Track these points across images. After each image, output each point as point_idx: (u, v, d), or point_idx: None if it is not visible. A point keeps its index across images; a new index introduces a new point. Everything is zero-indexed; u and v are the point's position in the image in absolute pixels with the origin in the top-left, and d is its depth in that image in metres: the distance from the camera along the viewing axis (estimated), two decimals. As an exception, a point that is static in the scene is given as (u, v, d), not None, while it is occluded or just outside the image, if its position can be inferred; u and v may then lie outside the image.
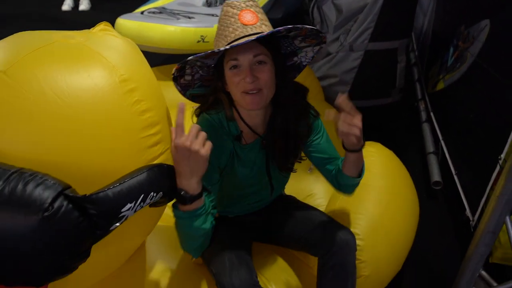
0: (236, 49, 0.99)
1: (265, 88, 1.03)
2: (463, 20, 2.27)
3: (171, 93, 1.22)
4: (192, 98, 1.16)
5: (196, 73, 1.11)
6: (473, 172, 1.82)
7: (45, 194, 0.67)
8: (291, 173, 1.28)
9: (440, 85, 2.49)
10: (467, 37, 2.14)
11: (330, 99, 2.57)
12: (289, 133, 1.13)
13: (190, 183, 0.89)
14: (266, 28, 1.03)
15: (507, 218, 1.29)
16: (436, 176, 2.14)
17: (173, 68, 1.07)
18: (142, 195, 0.78)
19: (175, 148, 0.87)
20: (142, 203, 0.78)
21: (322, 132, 1.22)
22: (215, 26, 1.09)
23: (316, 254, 1.21)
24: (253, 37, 0.96)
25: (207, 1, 3.36)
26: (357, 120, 1.01)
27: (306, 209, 1.34)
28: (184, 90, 1.13)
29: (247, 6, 1.03)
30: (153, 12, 2.51)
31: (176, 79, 1.09)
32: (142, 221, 0.98)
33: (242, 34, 1.00)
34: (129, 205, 0.75)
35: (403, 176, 1.55)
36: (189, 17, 2.43)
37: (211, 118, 1.11)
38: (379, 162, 1.52)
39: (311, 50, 1.14)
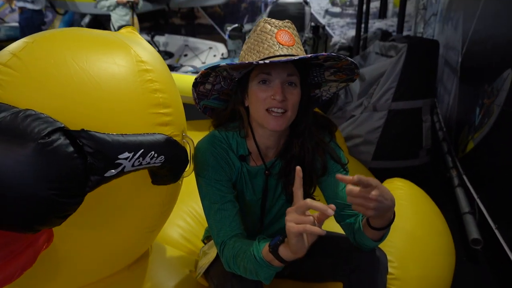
0: (269, 65, 0.95)
1: (290, 111, 0.98)
2: (485, 79, 2.28)
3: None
4: (204, 109, 1.14)
5: (217, 84, 1.07)
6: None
7: (43, 126, 0.67)
8: None
9: (470, 146, 2.41)
10: (492, 92, 2.13)
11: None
12: (305, 165, 1.05)
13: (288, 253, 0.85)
14: (301, 51, 1.00)
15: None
16: (474, 233, 1.95)
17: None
18: (142, 150, 0.76)
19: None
20: (141, 158, 0.76)
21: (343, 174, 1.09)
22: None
23: (340, 276, 1.05)
24: (295, 58, 0.92)
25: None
26: (375, 193, 0.84)
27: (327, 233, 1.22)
28: (199, 99, 1.10)
29: (285, 26, 1.00)
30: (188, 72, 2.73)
31: (196, 85, 1.06)
32: (142, 203, 0.93)
33: (278, 53, 0.95)
34: (127, 154, 0.73)
35: (432, 210, 1.43)
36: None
37: (220, 135, 1.08)
38: (407, 194, 1.43)
39: (336, 85, 1.10)
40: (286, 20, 1.02)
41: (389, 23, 7.07)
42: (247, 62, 0.96)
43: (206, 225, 1.22)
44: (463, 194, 2.38)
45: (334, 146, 1.10)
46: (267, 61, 0.91)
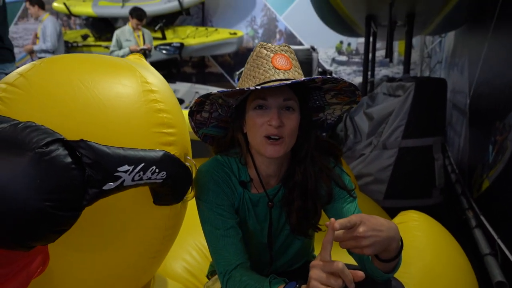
0: (265, 90, 0.93)
1: (288, 137, 0.95)
2: (496, 117, 2.26)
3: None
4: (203, 137, 1.11)
5: (215, 112, 1.05)
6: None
7: (42, 136, 0.66)
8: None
9: (486, 184, 2.33)
10: (504, 128, 2.09)
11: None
12: (308, 192, 1.01)
13: None
14: (298, 75, 0.97)
15: None
16: (499, 276, 1.82)
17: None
18: (143, 164, 0.73)
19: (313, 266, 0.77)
20: (141, 173, 0.73)
21: (349, 201, 1.04)
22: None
23: None
24: (287, 82, 0.88)
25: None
26: (362, 229, 0.78)
27: None
28: (197, 127, 1.07)
29: (282, 50, 0.97)
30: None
31: (192, 114, 1.03)
32: (143, 225, 0.89)
33: (273, 78, 0.93)
34: (127, 167, 0.70)
35: (450, 242, 1.36)
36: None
37: (222, 159, 1.06)
38: (422, 225, 1.36)
39: (339, 108, 1.06)
40: (283, 44, 1.00)
41: (395, 70, 7.21)
42: (238, 89, 0.93)
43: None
44: (482, 235, 2.27)
45: (339, 172, 1.05)
46: (258, 87, 0.89)
